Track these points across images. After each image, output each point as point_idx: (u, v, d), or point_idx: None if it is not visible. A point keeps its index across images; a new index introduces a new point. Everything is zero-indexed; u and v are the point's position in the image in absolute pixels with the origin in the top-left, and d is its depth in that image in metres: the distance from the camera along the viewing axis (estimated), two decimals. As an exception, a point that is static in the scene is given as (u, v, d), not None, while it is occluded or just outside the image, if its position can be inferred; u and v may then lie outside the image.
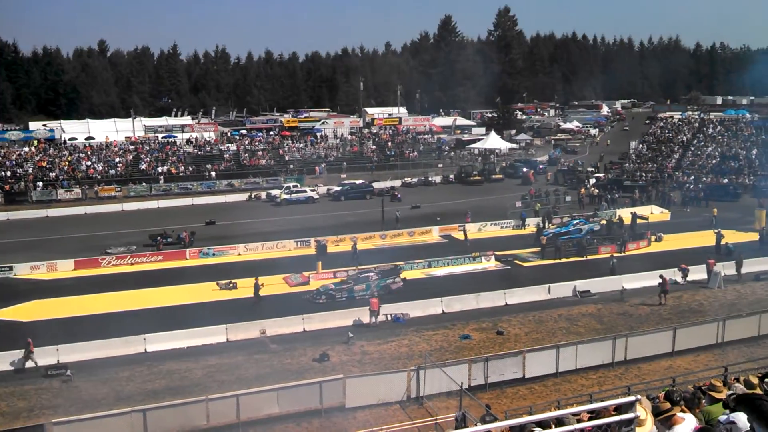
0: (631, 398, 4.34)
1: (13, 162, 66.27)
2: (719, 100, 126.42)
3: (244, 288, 33.47)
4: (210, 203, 60.73)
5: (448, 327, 28.72)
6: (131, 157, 70.86)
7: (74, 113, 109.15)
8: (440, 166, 77.20)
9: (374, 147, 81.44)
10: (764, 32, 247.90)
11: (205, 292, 34.09)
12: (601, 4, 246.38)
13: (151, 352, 26.56)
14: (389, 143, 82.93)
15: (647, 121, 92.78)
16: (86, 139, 75.00)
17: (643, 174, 63.55)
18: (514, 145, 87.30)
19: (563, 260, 38.99)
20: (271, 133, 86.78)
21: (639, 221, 45.11)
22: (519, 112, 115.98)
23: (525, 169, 69.43)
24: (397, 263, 36.12)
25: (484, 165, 74.30)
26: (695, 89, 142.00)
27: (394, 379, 22.31)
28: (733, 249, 37.45)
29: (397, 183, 66.67)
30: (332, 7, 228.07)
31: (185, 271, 38.15)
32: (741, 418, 4.43)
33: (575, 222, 42.68)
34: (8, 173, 64.48)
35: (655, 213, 50.74)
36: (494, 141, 78.73)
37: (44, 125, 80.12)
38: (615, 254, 38.46)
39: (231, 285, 34.33)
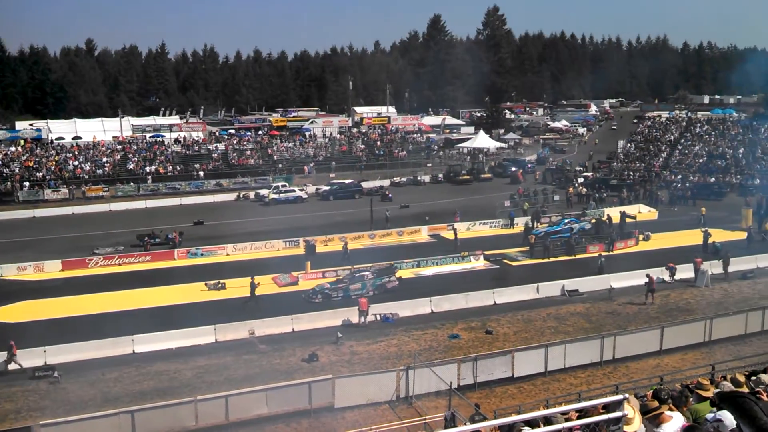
0: (619, 397, 4.34)
1: (0, 162, 65.74)
2: (706, 99, 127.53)
3: (233, 288, 33.40)
4: (198, 203, 60.46)
5: (437, 327, 28.75)
6: (119, 156, 70.40)
7: (61, 113, 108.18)
8: (429, 165, 77.26)
9: (363, 146, 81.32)
10: (751, 31, 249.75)
11: (194, 292, 33.95)
12: (590, 3, 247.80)
13: (140, 353, 26.43)
14: (378, 142, 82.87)
15: (635, 121, 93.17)
16: (73, 138, 74.56)
17: (631, 173, 63.82)
18: (503, 145, 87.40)
19: (552, 259, 39.17)
20: (260, 132, 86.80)
21: (627, 220, 45.39)
22: (508, 112, 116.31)
23: (513, 169, 69.64)
24: (392, 262, 36.15)
25: (473, 164, 74.44)
26: (683, 88, 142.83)
27: (383, 379, 22.33)
28: (720, 248, 37.63)
29: (386, 182, 66.64)
30: (321, 6, 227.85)
31: (173, 272, 37.95)
32: (728, 416, 4.45)
33: (566, 221, 42.91)
34: (-6, 173, 63.98)
35: (643, 212, 50.99)
36: (483, 140, 78.80)
37: (31, 125, 79.51)
38: (603, 253, 38.62)
39: (219, 285, 34.19)
